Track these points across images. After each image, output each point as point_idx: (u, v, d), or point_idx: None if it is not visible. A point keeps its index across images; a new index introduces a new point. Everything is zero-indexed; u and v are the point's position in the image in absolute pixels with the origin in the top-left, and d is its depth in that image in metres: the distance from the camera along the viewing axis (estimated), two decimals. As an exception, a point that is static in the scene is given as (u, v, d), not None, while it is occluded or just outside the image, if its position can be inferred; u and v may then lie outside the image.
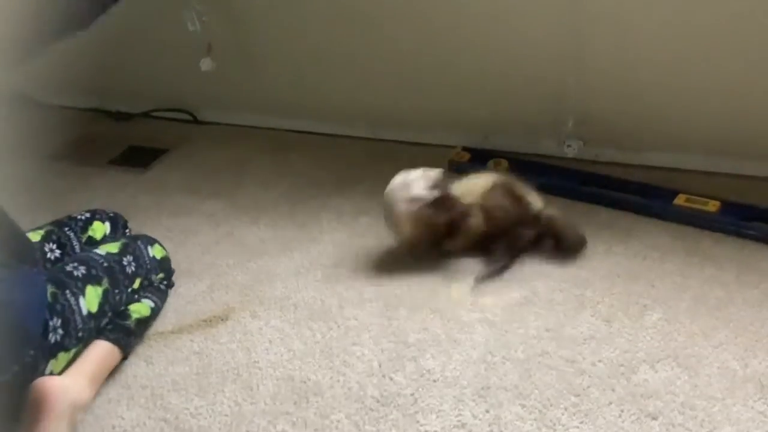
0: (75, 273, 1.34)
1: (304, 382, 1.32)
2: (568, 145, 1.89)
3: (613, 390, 1.25)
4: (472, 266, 1.58)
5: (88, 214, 1.58)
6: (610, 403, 1.22)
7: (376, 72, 2.02)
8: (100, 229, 1.57)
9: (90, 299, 1.33)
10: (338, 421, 1.23)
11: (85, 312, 1.31)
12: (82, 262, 1.37)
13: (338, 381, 1.32)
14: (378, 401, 1.27)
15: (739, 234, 1.57)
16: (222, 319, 1.49)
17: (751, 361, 1.27)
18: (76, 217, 1.56)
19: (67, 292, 1.30)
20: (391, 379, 1.31)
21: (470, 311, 1.45)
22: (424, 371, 1.32)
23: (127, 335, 1.39)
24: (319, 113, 2.16)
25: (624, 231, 1.64)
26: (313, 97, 2.13)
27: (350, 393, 1.29)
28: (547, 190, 1.73)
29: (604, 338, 1.35)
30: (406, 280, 1.56)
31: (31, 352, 1.22)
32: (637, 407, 1.21)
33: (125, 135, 2.29)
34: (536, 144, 1.94)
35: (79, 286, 1.33)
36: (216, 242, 1.67)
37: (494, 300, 1.48)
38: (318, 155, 2.08)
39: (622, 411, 1.20)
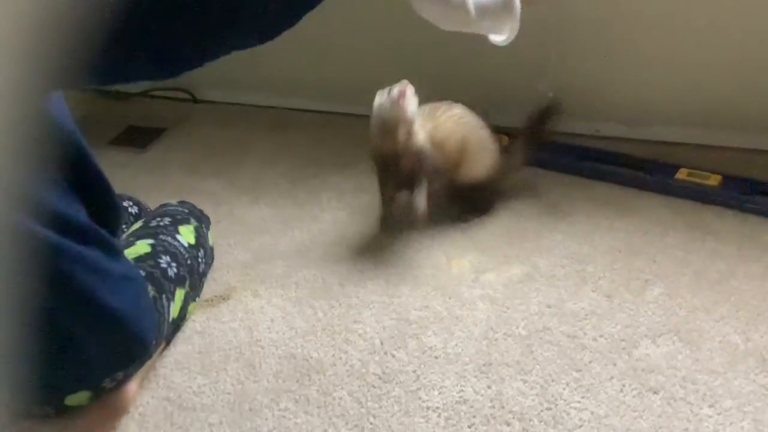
0: (169, 272, 1.30)
1: (306, 360, 1.33)
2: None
3: (614, 365, 1.25)
4: (473, 242, 1.58)
5: (135, 209, 1.56)
6: (612, 377, 1.23)
7: (375, 49, 2.01)
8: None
9: (176, 305, 1.31)
10: (341, 398, 1.24)
11: (170, 320, 1.30)
12: (172, 256, 1.33)
13: (340, 359, 1.32)
14: (380, 378, 1.27)
15: (741, 208, 1.57)
16: (224, 299, 1.49)
17: (753, 335, 1.28)
18: (126, 208, 1.54)
19: (164, 297, 1.26)
20: (393, 356, 1.32)
21: (471, 288, 1.46)
22: (426, 348, 1.32)
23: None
24: (319, 91, 2.15)
25: (625, 206, 1.64)
26: (313, 75, 2.12)
27: (352, 370, 1.29)
28: (546, 166, 1.73)
29: (606, 313, 1.36)
30: (407, 257, 1.57)
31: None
32: (638, 382, 1.21)
33: (124, 115, 2.28)
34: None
35: (172, 290, 1.29)
36: (217, 221, 1.67)
37: (495, 276, 1.48)
38: (318, 133, 2.08)
39: (624, 386, 1.21)
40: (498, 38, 1.20)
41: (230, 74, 2.21)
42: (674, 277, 1.43)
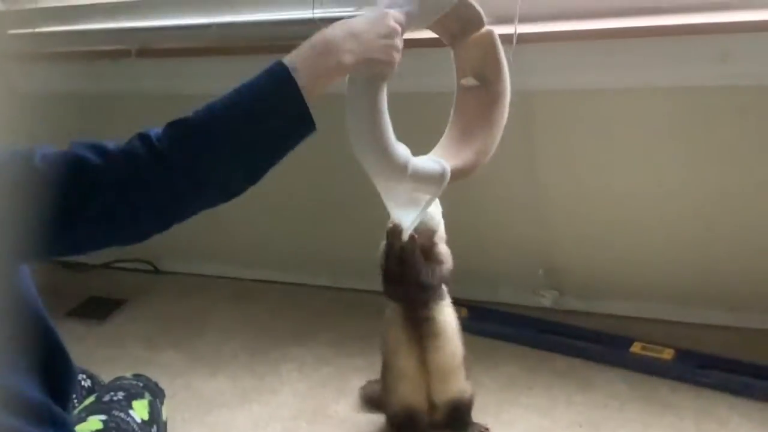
0: None
1: None
2: (542, 295, 1.92)
3: None
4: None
5: (88, 383, 1.53)
6: None
7: (337, 221, 2.08)
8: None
9: None
10: None
11: None
12: None
13: None
14: None
15: (695, 382, 1.59)
16: (175, 479, 1.43)
17: None
18: (79, 382, 1.51)
19: None
20: None
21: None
22: None
23: None
24: (280, 263, 2.19)
25: (583, 379, 1.65)
26: (274, 247, 2.17)
27: None
28: (505, 339, 1.76)
29: (569, 491, 1.33)
30: (369, 430, 1.54)
31: None
32: None
33: (84, 286, 2.27)
34: (511, 293, 1.97)
35: None
36: (173, 394, 1.63)
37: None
38: (279, 305, 2.09)
39: None
40: (404, 216, 1.27)
41: (192, 245, 2.25)
42: (635, 453, 1.42)
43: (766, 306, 1.73)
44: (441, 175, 1.25)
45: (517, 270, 1.91)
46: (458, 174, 1.30)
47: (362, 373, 1.70)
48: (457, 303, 1.90)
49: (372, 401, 1.62)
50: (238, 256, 2.24)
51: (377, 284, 2.07)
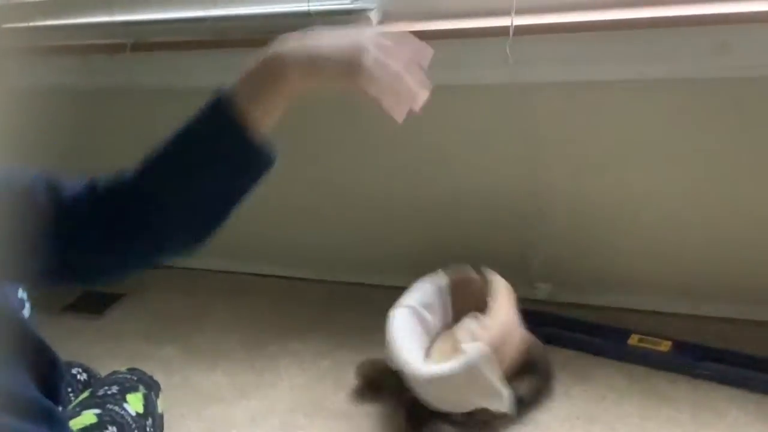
0: None
1: None
2: (537, 287, 1.92)
3: None
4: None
5: (84, 376, 1.54)
6: None
7: (335, 214, 2.08)
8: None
9: None
10: None
11: None
12: (119, 427, 1.29)
13: None
14: None
15: (692, 374, 1.59)
16: (174, 472, 1.44)
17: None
18: (75, 375, 1.51)
19: None
20: None
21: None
22: None
23: None
24: (279, 256, 2.19)
25: (581, 372, 1.65)
26: (273, 240, 2.17)
27: None
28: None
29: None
30: (368, 424, 1.54)
31: None
32: None
33: (82, 280, 2.27)
34: None
35: None
36: (171, 389, 1.63)
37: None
38: (277, 299, 2.08)
39: None
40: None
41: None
42: (633, 445, 1.42)
43: (764, 297, 1.73)
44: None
45: (511, 261, 1.91)
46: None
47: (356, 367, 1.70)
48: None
49: (371, 382, 1.62)
50: (237, 250, 2.23)
51: (375, 278, 2.08)
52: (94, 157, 2.19)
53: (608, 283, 1.87)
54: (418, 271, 2.03)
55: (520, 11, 1.56)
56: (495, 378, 1.40)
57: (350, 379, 1.67)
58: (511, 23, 1.53)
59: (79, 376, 1.54)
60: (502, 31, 1.55)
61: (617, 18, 1.51)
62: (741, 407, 1.49)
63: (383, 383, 1.60)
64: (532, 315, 1.82)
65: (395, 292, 2.00)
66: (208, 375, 1.76)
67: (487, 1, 1.68)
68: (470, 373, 1.39)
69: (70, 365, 1.58)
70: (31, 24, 1.98)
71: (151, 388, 1.52)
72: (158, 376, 1.60)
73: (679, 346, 1.65)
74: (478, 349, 1.40)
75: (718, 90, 1.58)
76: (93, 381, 1.56)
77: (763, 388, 1.53)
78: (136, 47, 1.87)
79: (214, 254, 2.27)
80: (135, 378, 1.51)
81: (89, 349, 1.88)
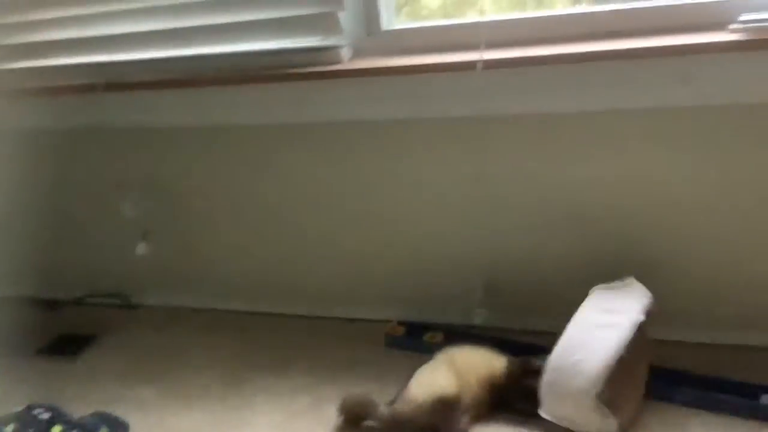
0: None
1: None
2: (476, 314, 1.90)
3: None
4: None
5: (47, 415, 1.52)
6: None
7: (309, 252, 2.08)
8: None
9: None
10: None
11: None
12: None
13: None
14: None
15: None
16: None
17: None
18: (36, 416, 1.50)
19: None
20: None
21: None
22: None
23: None
24: (253, 293, 2.18)
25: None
26: (248, 278, 2.16)
27: None
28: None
29: None
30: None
31: None
32: None
33: (56, 322, 2.24)
34: (468, 315, 1.95)
35: None
36: (146, 430, 1.61)
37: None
38: (253, 335, 2.07)
39: None
40: None
41: (166, 278, 2.24)
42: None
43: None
44: None
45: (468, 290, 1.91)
46: None
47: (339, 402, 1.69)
48: (433, 328, 1.93)
49: (353, 417, 1.61)
50: (211, 287, 2.22)
51: (350, 311, 2.08)
52: (69, 193, 2.18)
53: (547, 308, 1.83)
54: (392, 303, 2.04)
55: (490, 45, 1.59)
56: None
57: (331, 415, 1.65)
58: (481, 57, 1.56)
59: (40, 416, 1.53)
60: (471, 66, 1.58)
61: (581, 51, 1.55)
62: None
63: (366, 417, 1.59)
64: (498, 342, 1.81)
65: (370, 325, 2.00)
66: (184, 414, 1.73)
67: (456, 36, 1.72)
68: None
69: (30, 408, 1.56)
70: (2, 67, 1.99)
71: (117, 428, 1.50)
72: (134, 417, 1.58)
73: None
74: None
75: (686, 118, 1.62)
76: (58, 419, 1.55)
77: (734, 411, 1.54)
78: (109, 87, 1.87)
79: (190, 292, 2.26)
80: (98, 419, 1.49)
81: (63, 391, 1.85)
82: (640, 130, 1.68)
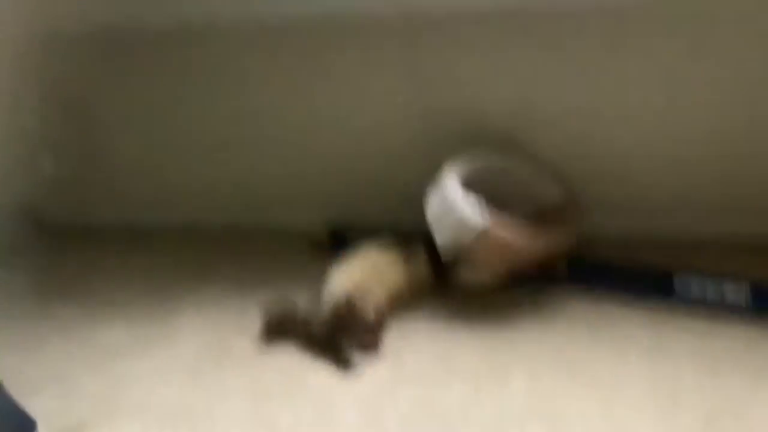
0: None
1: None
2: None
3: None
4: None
5: None
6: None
7: (227, 158, 2.02)
8: None
9: None
10: None
11: None
12: None
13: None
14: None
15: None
16: (75, 436, 1.38)
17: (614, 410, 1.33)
18: None
19: None
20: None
21: (342, 393, 1.44)
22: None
23: None
24: (171, 206, 2.11)
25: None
26: (164, 190, 2.09)
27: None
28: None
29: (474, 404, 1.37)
30: (274, 366, 1.53)
31: None
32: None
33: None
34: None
35: None
36: (67, 350, 1.57)
37: (364, 379, 1.47)
38: (173, 249, 2.02)
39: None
40: None
41: (78, 196, 2.14)
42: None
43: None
44: None
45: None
46: None
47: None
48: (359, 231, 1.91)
49: (277, 322, 1.61)
50: (125, 203, 2.14)
51: (274, 217, 2.04)
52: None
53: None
54: (321, 211, 2.01)
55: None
56: None
57: (255, 322, 1.64)
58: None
59: None
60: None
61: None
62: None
63: (290, 322, 1.60)
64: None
65: (302, 233, 1.98)
66: (106, 331, 1.69)
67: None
68: None
69: None
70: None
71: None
72: (53, 337, 1.54)
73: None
74: None
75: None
76: None
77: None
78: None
79: (104, 210, 2.17)
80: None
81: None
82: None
